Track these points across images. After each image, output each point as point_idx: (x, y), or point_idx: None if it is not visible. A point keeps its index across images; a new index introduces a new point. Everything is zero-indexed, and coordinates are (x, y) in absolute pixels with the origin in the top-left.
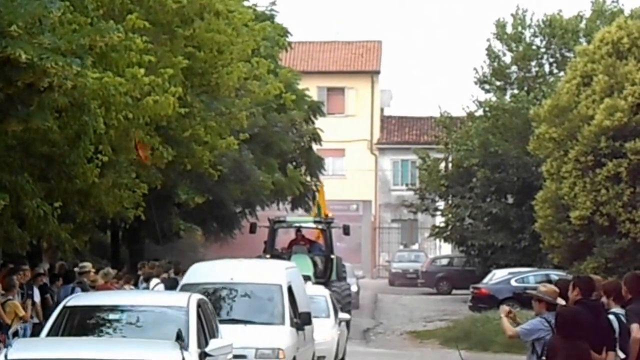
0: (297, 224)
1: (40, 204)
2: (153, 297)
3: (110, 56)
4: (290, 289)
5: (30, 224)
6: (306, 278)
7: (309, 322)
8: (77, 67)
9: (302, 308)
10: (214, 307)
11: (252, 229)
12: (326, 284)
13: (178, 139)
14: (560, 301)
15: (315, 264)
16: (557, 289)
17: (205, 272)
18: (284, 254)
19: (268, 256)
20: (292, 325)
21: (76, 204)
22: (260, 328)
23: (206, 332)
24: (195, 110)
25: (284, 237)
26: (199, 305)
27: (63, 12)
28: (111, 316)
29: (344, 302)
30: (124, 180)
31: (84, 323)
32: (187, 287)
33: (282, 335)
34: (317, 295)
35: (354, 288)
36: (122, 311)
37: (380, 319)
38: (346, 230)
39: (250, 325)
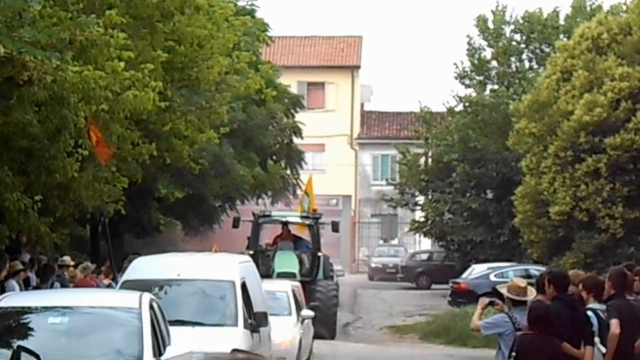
0: (283, 219)
1: (20, 198)
2: (99, 296)
3: (90, 50)
4: (244, 286)
5: (10, 218)
6: (291, 275)
7: (265, 324)
8: (56, 61)
9: (257, 307)
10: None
11: (235, 223)
12: (312, 282)
13: (158, 133)
14: (532, 293)
15: (301, 262)
16: (521, 284)
17: (149, 267)
18: (269, 250)
19: (251, 252)
20: (245, 326)
21: (56, 197)
22: (210, 330)
23: (159, 338)
24: (176, 105)
25: (267, 233)
26: (150, 307)
27: (43, 5)
28: (50, 319)
29: (330, 302)
30: (104, 174)
31: (16, 328)
32: (129, 284)
33: (234, 338)
34: (277, 291)
35: None
36: (63, 314)
37: (359, 314)
38: (335, 227)
39: (199, 327)
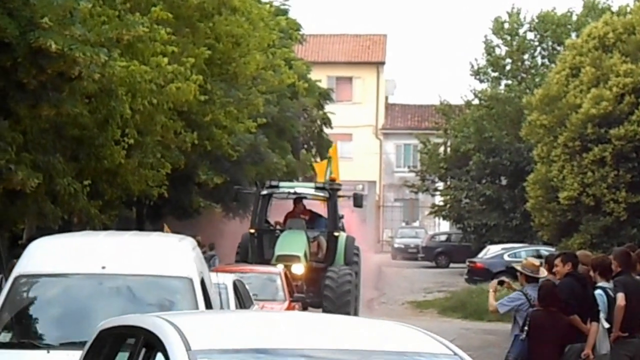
0: (292, 190)
1: (71, 182)
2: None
3: (136, 46)
4: (203, 285)
5: (62, 201)
6: (294, 259)
7: None
8: (104, 57)
9: None
10: (74, 316)
11: (235, 196)
12: (326, 269)
13: (199, 123)
14: (543, 272)
15: (318, 244)
16: (535, 263)
17: (55, 254)
18: (278, 229)
19: (252, 231)
20: None
21: (104, 182)
22: None
23: None
24: (215, 97)
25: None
26: None
27: (92, 5)
28: None
29: (340, 293)
30: (150, 160)
31: None
32: (24, 281)
33: None
34: (220, 283)
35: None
36: None
37: (383, 290)
38: (357, 201)
39: None
